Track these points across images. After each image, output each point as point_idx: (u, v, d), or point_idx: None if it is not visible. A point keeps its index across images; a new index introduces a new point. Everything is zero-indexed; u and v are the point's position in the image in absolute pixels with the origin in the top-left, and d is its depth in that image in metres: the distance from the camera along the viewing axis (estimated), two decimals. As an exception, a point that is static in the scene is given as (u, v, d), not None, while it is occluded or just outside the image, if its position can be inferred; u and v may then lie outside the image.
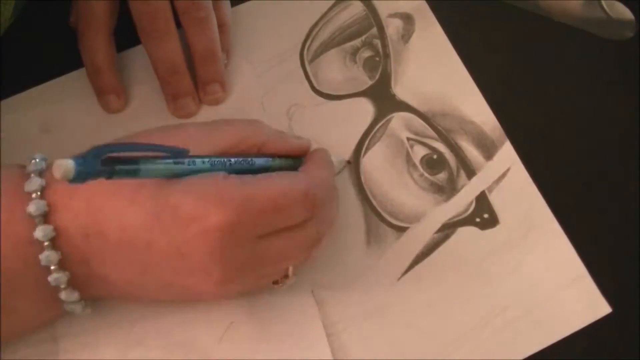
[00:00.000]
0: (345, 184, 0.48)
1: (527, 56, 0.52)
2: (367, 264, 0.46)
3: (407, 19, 0.52)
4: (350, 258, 0.46)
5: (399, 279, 0.46)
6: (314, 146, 0.46)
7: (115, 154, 0.34)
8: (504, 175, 0.48)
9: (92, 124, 0.49)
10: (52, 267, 0.38)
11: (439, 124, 0.49)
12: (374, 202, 0.48)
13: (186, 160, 0.38)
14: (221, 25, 0.49)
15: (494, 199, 0.47)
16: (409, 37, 0.52)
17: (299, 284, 0.44)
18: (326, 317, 0.44)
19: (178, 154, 0.37)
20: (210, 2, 0.48)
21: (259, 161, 0.42)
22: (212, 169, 0.39)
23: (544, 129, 0.50)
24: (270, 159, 0.43)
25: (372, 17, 0.52)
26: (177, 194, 0.37)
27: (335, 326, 0.44)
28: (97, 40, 0.48)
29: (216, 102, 0.50)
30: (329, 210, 0.43)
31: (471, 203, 0.47)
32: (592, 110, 0.50)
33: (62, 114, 0.49)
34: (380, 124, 0.50)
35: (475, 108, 0.49)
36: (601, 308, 0.44)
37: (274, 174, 0.40)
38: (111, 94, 0.49)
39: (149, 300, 0.43)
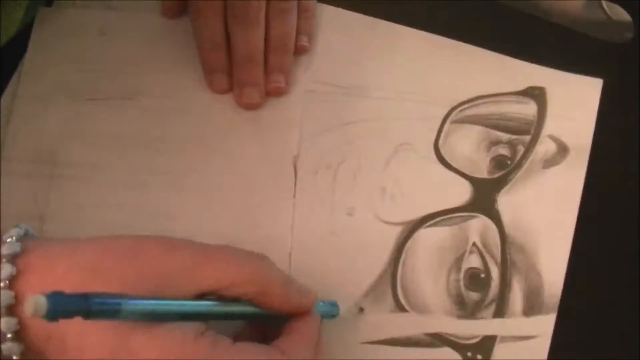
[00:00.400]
0: (389, 239, 0.47)
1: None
2: (350, 311, 0.45)
3: (563, 150, 0.50)
4: (340, 294, 0.44)
5: (361, 342, 0.44)
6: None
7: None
8: (525, 339, 0.45)
9: (148, 31, 0.52)
10: (14, 358, 0.36)
11: (511, 253, 0.47)
12: (399, 266, 0.46)
13: (170, 299, 0.35)
14: (303, 12, 0.51)
15: (499, 351, 0.44)
16: (551, 165, 0.49)
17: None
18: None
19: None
20: (296, 1, 0.51)
21: (248, 309, 0.38)
22: (198, 311, 0.36)
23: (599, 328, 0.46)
24: (259, 311, 0.39)
25: (535, 127, 0.50)
26: (139, 340, 0.34)
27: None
28: (217, 18, 0.50)
29: (277, 92, 0.51)
30: None
31: (476, 337, 0.44)
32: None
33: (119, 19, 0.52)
34: (462, 214, 0.48)
35: (553, 267, 0.46)
36: None
37: (250, 345, 0.37)
38: (223, 72, 0.50)
39: None
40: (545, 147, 0.49)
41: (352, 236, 0.47)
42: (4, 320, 0.35)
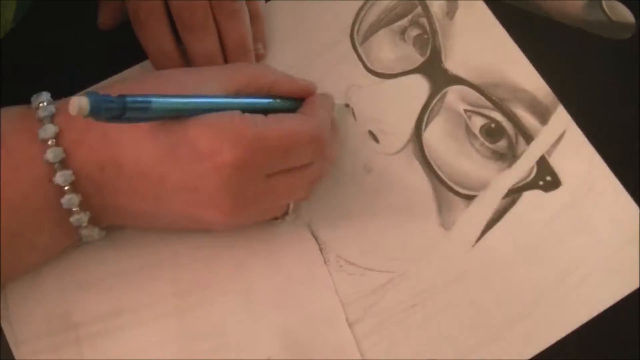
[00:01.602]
0: (410, 159, 0.49)
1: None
2: (440, 233, 0.47)
3: None
4: (423, 230, 0.47)
5: (473, 245, 0.47)
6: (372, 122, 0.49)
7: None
8: (560, 138, 0.50)
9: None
10: (74, 209, 0.40)
11: (492, 94, 0.51)
12: (441, 174, 0.49)
13: (198, 96, 0.39)
14: (254, 17, 0.50)
15: (554, 161, 0.49)
16: (454, 13, 0.53)
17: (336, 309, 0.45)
18: (405, 291, 0.45)
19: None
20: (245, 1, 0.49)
21: (264, 101, 0.44)
22: (224, 106, 0.40)
23: (594, 90, 0.51)
24: (273, 100, 0.44)
25: None
26: (193, 128, 0.38)
27: (418, 297, 0.46)
28: (161, 25, 0.48)
29: None
30: (332, 149, 0.45)
31: (533, 167, 0.49)
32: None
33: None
34: (436, 99, 0.51)
35: (526, 76, 0.51)
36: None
37: (283, 115, 0.42)
38: None
39: (160, 229, 0.44)
40: (437, 4, 0.53)
41: (386, 182, 0.48)
42: (60, 174, 0.39)
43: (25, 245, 0.40)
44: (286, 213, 0.45)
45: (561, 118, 0.50)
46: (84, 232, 0.41)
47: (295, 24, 0.52)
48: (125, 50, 0.49)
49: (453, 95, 0.51)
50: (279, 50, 0.52)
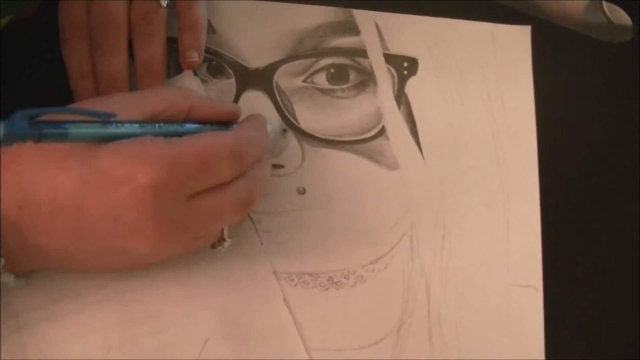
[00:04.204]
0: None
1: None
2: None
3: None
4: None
5: None
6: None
7: (44, 118, 0.36)
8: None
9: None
10: None
11: (303, 50, 0.54)
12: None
13: (114, 123, 0.39)
14: (191, 27, 0.51)
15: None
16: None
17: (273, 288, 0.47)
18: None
19: (107, 117, 0.39)
20: (163, 19, 0.50)
21: (189, 126, 0.43)
22: (141, 132, 0.40)
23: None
24: (201, 125, 0.44)
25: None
26: (105, 157, 0.39)
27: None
28: (83, 45, 0.49)
29: None
30: (261, 169, 0.44)
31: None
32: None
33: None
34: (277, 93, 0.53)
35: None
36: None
37: (200, 134, 0.43)
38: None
39: (87, 269, 0.44)
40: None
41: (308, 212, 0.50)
42: None
43: None
44: (222, 239, 0.45)
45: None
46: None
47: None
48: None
49: (282, 80, 0.53)
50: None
